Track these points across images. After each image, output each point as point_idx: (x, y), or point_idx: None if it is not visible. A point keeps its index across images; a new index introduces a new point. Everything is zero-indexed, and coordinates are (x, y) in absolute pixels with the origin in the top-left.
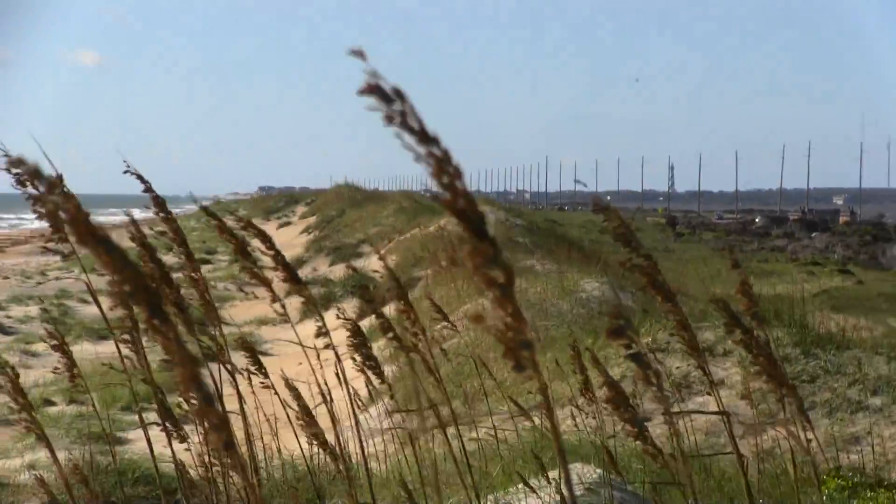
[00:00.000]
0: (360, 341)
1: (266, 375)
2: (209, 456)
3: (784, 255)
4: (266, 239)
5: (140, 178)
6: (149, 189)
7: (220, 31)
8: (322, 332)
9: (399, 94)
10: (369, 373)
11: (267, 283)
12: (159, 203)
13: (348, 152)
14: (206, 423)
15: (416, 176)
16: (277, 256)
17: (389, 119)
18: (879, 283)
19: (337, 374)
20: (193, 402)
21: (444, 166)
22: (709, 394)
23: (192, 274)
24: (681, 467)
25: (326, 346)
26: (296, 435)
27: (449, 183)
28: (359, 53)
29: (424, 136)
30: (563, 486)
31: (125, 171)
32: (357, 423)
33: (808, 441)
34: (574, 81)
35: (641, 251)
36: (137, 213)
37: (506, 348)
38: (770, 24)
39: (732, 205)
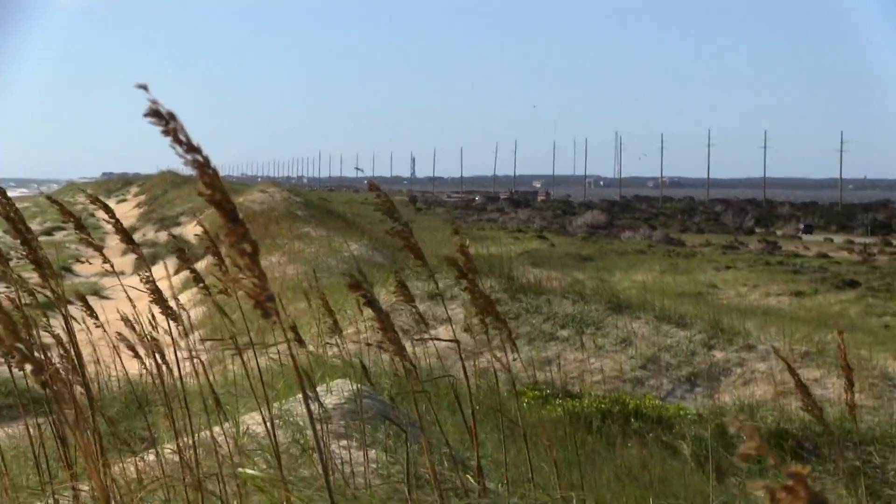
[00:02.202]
0: (161, 297)
1: (96, 317)
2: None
3: (497, 225)
4: (109, 211)
5: None
6: None
7: (69, 32)
8: (148, 280)
9: (172, 116)
10: (179, 315)
11: (98, 249)
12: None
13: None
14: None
15: (226, 164)
16: (117, 224)
17: (166, 134)
18: (567, 246)
19: (183, 310)
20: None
21: (204, 169)
22: (442, 326)
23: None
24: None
25: (151, 291)
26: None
27: (208, 182)
28: (143, 87)
29: (190, 147)
30: (302, 399)
31: None
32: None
33: (514, 360)
34: (341, 83)
35: (401, 221)
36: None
37: (254, 301)
38: (488, 33)
39: (458, 187)
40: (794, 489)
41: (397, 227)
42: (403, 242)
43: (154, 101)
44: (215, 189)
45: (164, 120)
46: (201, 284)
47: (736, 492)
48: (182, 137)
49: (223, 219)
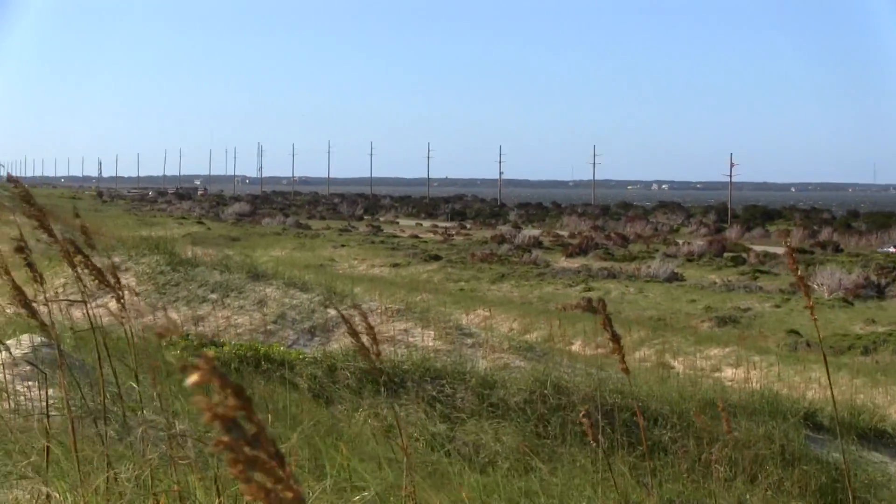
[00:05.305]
0: None
1: None
2: None
3: (165, 213)
4: None
5: None
6: None
7: None
8: None
9: None
10: None
11: None
12: None
13: None
14: None
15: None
16: None
17: None
18: (220, 229)
19: None
20: None
21: None
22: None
23: None
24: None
25: None
26: None
27: None
28: None
29: None
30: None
31: None
32: None
33: (168, 319)
34: (38, 91)
35: (37, 206)
36: None
37: None
38: (147, 50)
39: (136, 184)
40: (202, 365)
41: (33, 211)
42: (39, 223)
43: None
44: None
45: None
46: None
47: (339, 415)
48: None
49: None
